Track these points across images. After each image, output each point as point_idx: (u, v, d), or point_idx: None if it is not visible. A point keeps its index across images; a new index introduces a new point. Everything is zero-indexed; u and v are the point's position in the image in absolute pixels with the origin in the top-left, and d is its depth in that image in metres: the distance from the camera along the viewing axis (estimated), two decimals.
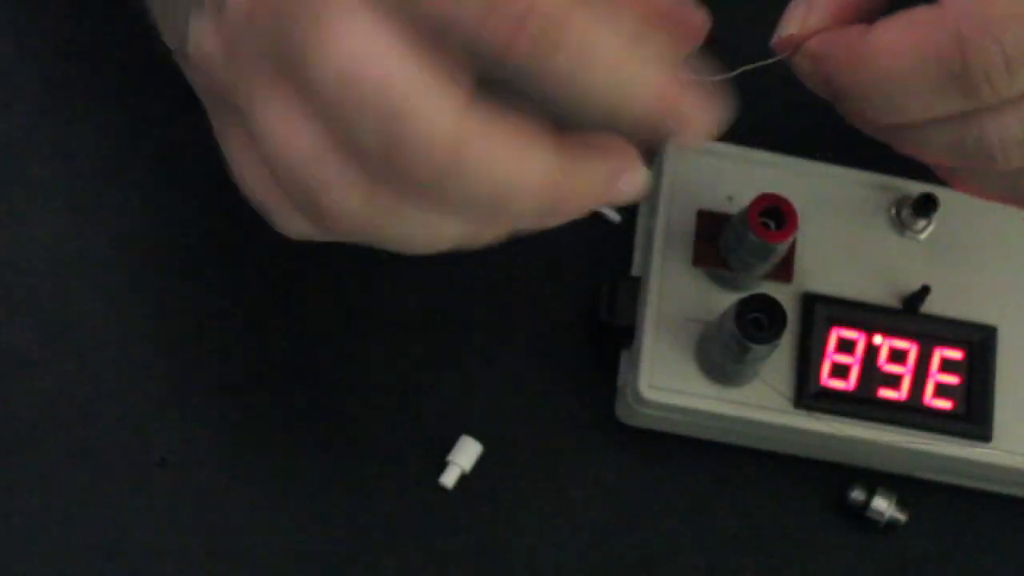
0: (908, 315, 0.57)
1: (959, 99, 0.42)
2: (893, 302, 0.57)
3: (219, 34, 0.40)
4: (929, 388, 0.56)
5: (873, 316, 0.56)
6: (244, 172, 0.42)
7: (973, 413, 0.56)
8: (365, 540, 0.57)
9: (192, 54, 0.42)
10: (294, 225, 0.42)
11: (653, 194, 0.58)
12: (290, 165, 0.39)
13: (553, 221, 0.40)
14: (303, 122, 0.38)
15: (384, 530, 0.57)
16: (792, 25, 0.45)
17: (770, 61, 0.46)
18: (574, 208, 0.40)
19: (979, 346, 0.56)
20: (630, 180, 0.40)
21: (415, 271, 0.60)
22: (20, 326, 0.58)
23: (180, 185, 0.60)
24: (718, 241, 0.56)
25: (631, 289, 0.57)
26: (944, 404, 0.56)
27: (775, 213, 0.53)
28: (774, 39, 0.46)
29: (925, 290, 0.56)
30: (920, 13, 0.42)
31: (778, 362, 0.55)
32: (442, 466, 0.57)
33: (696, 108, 0.39)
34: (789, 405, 0.55)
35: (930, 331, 0.56)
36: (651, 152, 0.43)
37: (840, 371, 0.56)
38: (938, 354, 0.56)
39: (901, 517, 0.58)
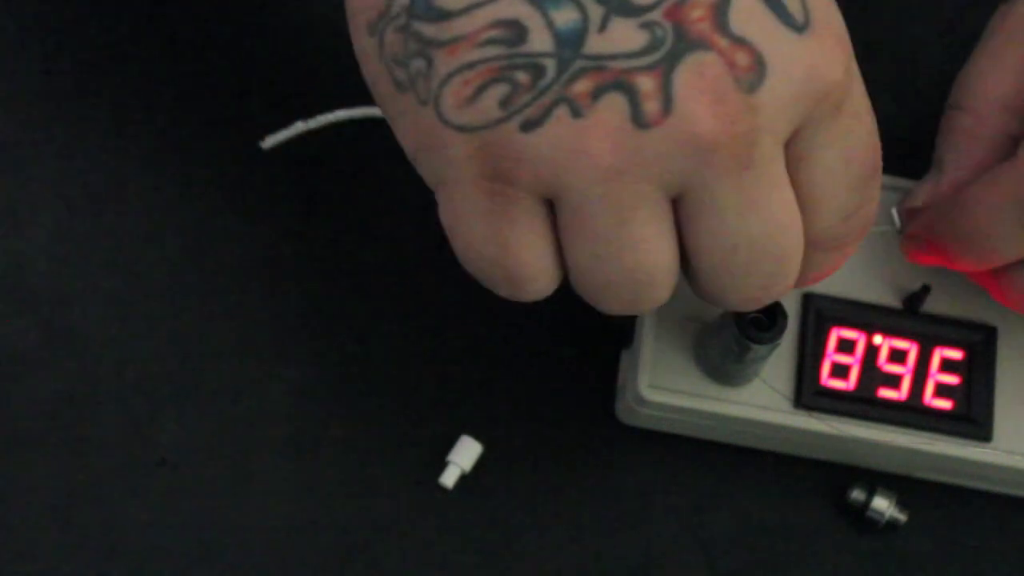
0: (908, 315, 0.57)
1: None
2: (893, 302, 0.57)
3: (604, 139, 0.40)
4: (929, 388, 0.56)
5: (873, 316, 0.56)
6: (524, 254, 0.43)
7: (973, 413, 0.56)
8: (365, 540, 0.57)
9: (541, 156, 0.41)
10: (544, 288, 0.45)
11: None
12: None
13: None
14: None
15: (384, 530, 0.57)
16: (919, 199, 0.54)
17: (881, 229, 0.55)
18: None
19: (979, 346, 0.56)
20: None
21: (414, 272, 0.60)
22: (20, 326, 0.58)
23: (180, 186, 0.60)
24: None
25: None
26: (944, 404, 0.56)
27: None
28: (898, 207, 0.55)
29: (925, 290, 0.56)
30: (1001, 166, 0.50)
31: (778, 362, 0.55)
32: (442, 466, 0.57)
33: None
34: (789, 405, 0.55)
35: (930, 331, 0.56)
36: None
37: (840, 371, 0.56)
38: (938, 354, 0.56)
39: (901, 517, 0.58)
